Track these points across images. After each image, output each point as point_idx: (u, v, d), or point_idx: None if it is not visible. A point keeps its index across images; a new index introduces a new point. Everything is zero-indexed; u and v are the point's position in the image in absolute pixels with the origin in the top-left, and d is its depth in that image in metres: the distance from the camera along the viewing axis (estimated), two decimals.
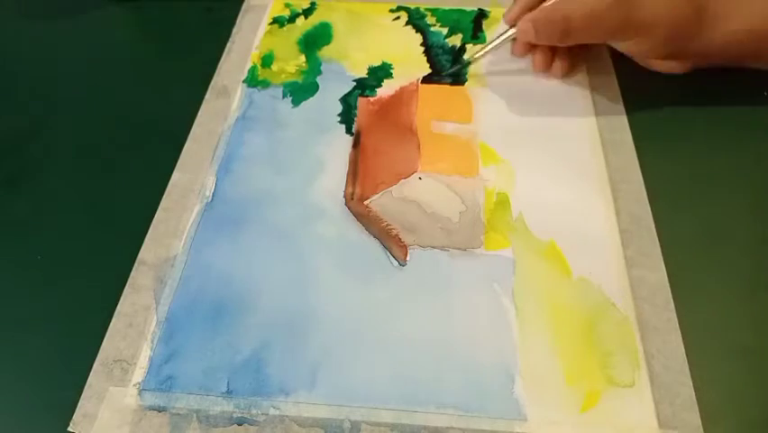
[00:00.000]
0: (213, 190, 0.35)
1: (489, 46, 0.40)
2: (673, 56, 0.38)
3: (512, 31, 0.39)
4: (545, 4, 0.37)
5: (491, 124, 0.38)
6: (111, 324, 0.29)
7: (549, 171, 0.35)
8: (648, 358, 0.28)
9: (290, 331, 0.29)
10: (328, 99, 0.40)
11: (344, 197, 0.34)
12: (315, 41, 0.44)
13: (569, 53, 0.40)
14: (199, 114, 0.39)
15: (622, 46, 0.38)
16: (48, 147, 0.38)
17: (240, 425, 0.26)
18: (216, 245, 0.32)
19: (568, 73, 0.40)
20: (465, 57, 0.42)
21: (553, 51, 0.40)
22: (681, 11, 0.36)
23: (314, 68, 0.42)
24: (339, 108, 0.39)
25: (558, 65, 0.40)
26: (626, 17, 0.35)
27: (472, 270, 0.31)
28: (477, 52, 0.41)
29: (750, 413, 0.27)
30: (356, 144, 0.37)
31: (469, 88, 0.40)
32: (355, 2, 0.47)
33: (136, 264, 0.32)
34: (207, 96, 0.40)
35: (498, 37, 0.40)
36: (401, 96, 0.40)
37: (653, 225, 0.32)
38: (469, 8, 0.46)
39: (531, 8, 0.38)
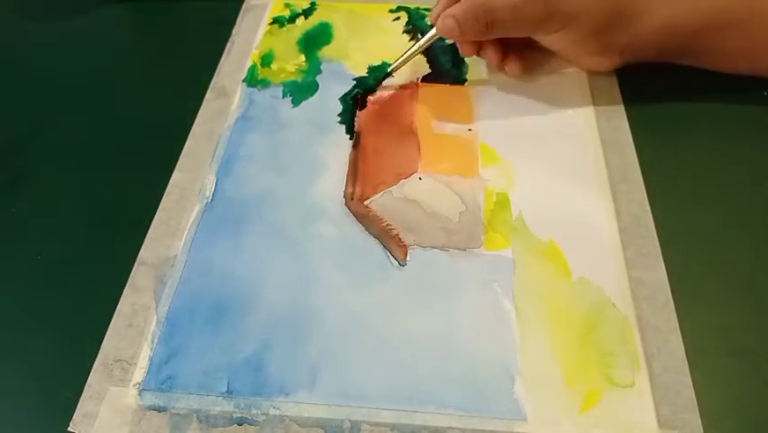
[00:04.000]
0: (213, 190, 0.35)
1: (413, 49, 0.39)
2: (600, 51, 0.38)
3: (434, 30, 0.37)
4: None
5: (492, 124, 0.38)
6: (111, 324, 0.29)
7: (549, 171, 0.35)
8: (648, 358, 0.28)
9: (290, 331, 0.29)
10: (328, 99, 0.40)
11: (344, 197, 0.34)
12: (315, 40, 0.44)
13: (520, 51, 0.39)
14: (199, 114, 0.39)
15: (547, 41, 0.38)
16: (48, 147, 0.38)
17: (240, 425, 0.26)
18: (216, 245, 0.32)
19: (526, 72, 0.39)
20: (390, 67, 0.40)
21: (503, 49, 0.39)
22: (603, 3, 0.35)
23: (314, 67, 0.42)
24: (339, 108, 0.39)
25: (512, 65, 0.39)
26: (549, 8, 0.35)
27: (472, 270, 0.31)
28: (399, 59, 0.39)
29: (750, 413, 0.27)
30: (356, 144, 0.37)
31: (469, 88, 0.40)
32: (355, 2, 0.47)
33: (136, 264, 0.32)
34: (207, 96, 0.40)
35: (422, 38, 0.39)
36: (401, 96, 0.40)
37: (653, 225, 0.32)
38: None
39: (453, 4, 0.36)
